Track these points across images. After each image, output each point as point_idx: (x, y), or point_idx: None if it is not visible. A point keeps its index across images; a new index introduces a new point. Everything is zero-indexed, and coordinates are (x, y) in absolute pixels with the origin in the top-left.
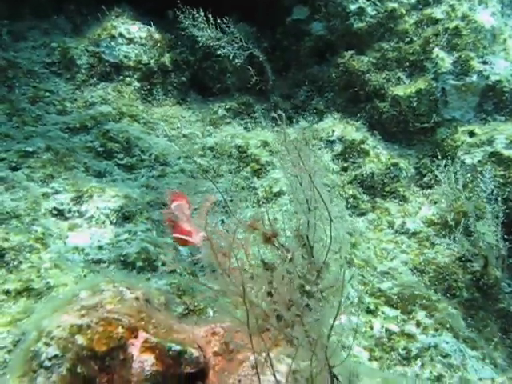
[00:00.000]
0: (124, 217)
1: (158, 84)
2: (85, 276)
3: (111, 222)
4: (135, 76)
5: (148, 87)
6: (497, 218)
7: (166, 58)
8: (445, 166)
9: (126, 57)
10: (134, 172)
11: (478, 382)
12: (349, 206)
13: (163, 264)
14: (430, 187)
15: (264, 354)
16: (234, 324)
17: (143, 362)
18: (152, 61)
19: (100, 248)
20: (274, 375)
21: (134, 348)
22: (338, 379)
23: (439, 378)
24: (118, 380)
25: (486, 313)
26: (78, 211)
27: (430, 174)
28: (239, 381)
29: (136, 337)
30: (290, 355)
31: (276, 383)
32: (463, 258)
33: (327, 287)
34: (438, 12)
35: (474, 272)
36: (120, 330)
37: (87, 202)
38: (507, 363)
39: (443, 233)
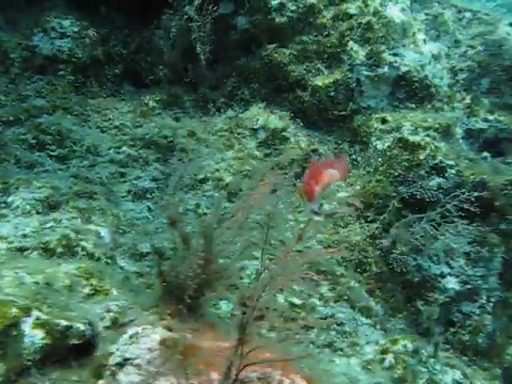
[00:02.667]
0: (50, 206)
1: (92, 77)
2: (2, 263)
3: (37, 212)
4: (69, 69)
5: (82, 80)
6: (403, 197)
7: (100, 52)
8: (360, 150)
9: (59, 50)
10: (65, 163)
11: (365, 344)
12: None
13: (83, 249)
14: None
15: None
16: (129, 302)
17: (33, 336)
18: (85, 54)
19: (24, 236)
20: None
21: (26, 325)
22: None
23: (332, 343)
24: (11, 353)
25: (392, 284)
26: (4, 202)
27: (347, 158)
28: (117, 349)
29: (29, 316)
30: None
31: (148, 349)
32: (373, 236)
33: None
34: (352, 7)
35: (383, 248)
36: (14, 310)
37: (14, 193)
38: (403, 328)
39: (357, 213)
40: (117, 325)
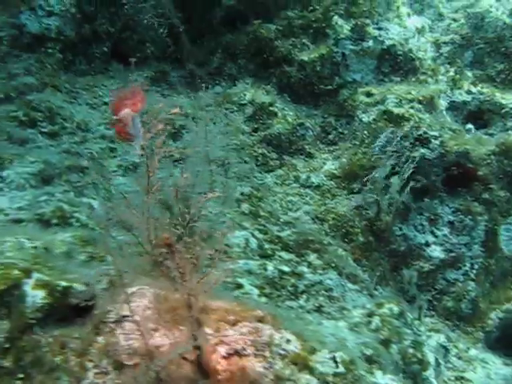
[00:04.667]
0: (43, 180)
1: (80, 54)
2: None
3: (31, 185)
4: (57, 47)
5: (70, 58)
6: (387, 168)
7: (87, 30)
8: (346, 123)
9: (47, 29)
10: (56, 139)
11: (353, 308)
12: (258, 163)
13: (77, 221)
14: (335, 144)
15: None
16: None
17: (35, 296)
18: (73, 32)
19: (20, 209)
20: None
21: (28, 286)
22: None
23: (320, 307)
24: (14, 312)
25: (379, 254)
26: None
27: (334, 131)
28: (114, 307)
29: (30, 277)
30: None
31: (144, 306)
32: (359, 207)
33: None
34: None
35: (369, 218)
36: (16, 271)
37: (8, 168)
38: (389, 296)
39: (343, 185)
40: (113, 287)
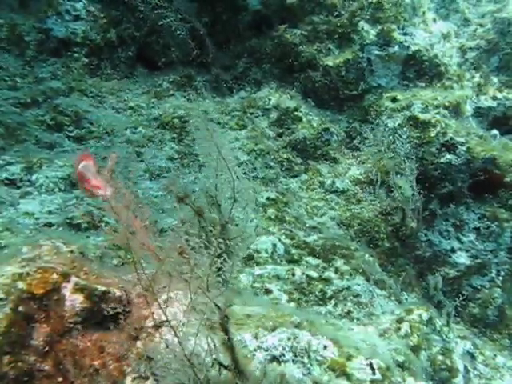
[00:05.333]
0: (72, 184)
1: (106, 59)
2: (32, 236)
3: (60, 189)
4: (83, 52)
5: (96, 62)
6: (412, 174)
7: (112, 34)
8: (371, 129)
9: (73, 33)
10: (83, 143)
11: (381, 314)
12: (283, 168)
13: (106, 224)
14: (359, 149)
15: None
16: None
17: (74, 300)
18: (99, 37)
19: (49, 213)
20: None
21: (67, 290)
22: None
23: (348, 313)
24: (53, 316)
25: (404, 259)
26: (28, 180)
27: (358, 136)
28: (153, 312)
29: (68, 281)
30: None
31: (182, 312)
32: (384, 212)
33: (232, 237)
34: None
35: (394, 224)
36: (55, 276)
37: (37, 171)
38: (415, 302)
39: (368, 190)
40: (149, 291)
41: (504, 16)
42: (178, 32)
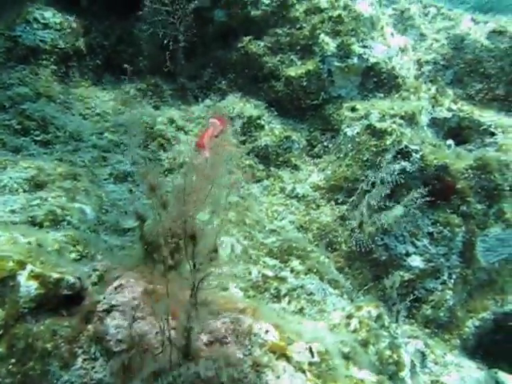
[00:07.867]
0: (36, 185)
1: (74, 67)
2: None
3: (24, 190)
4: (51, 59)
5: (64, 70)
6: (370, 182)
7: (81, 43)
8: (332, 137)
9: (42, 41)
10: (49, 147)
11: (333, 311)
12: (246, 174)
13: (68, 223)
14: (320, 157)
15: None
16: (114, 263)
17: (29, 286)
18: (67, 45)
19: (12, 212)
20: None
21: (22, 277)
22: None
23: (301, 309)
24: (8, 301)
25: (361, 263)
26: None
27: (319, 145)
28: (103, 298)
29: (24, 269)
30: None
31: (132, 297)
32: (343, 217)
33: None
34: (323, 2)
35: (352, 229)
36: (11, 263)
37: (1, 172)
38: (367, 298)
39: (327, 196)
40: (103, 281)
41: (457, 33)
42: (147, 41)
